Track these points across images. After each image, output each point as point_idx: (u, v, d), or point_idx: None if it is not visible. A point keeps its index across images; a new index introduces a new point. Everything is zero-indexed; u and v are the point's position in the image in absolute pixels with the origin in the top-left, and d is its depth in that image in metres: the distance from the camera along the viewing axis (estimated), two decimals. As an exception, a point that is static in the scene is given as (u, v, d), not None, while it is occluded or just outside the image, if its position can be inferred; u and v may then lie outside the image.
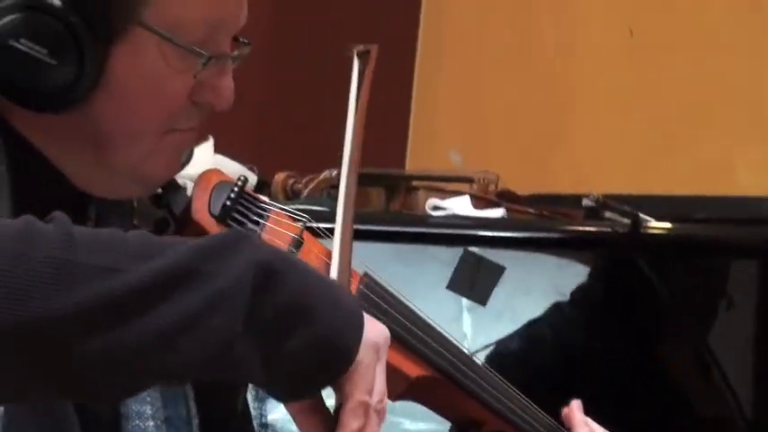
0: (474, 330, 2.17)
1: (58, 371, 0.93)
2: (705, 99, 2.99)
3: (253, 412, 2.01)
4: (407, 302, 1.27)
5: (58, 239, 0.93)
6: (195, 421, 1.29)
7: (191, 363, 0.95)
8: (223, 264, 0.96)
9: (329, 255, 1.22)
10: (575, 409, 1.45)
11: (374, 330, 1.01)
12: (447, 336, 1.35)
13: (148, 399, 1.26)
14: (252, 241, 0.99)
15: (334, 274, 1.19)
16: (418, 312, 1.28)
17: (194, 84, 1.18)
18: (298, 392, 1.00)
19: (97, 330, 0.91)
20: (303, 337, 0.97)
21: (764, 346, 2.06)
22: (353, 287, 1.22)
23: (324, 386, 1.00)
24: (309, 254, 1.22)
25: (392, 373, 1.14)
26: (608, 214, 2.12)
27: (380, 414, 1.02)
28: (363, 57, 1.27)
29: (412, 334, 1.26)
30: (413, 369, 1.22)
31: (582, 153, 3.14)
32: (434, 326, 1.30)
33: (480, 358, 2.03)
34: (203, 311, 0.93)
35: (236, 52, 1.21)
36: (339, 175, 2.18)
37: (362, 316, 1.01)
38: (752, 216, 2.35)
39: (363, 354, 1.00)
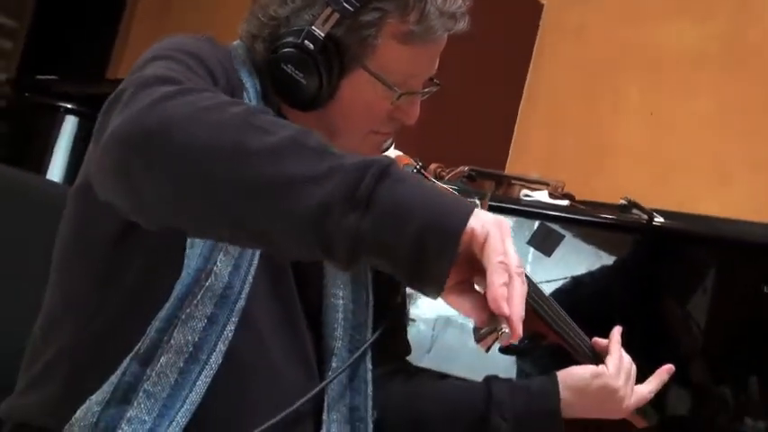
0: (534, 271, 2.25)
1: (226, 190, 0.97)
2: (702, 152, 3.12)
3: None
4: None
5: (244, 112, 1.02)
6: (371, 304, 1.42)
7: (295, 215, 0.93)
8: (353, 157, 0.97)
9: None
10: (616, 332, 1.53)
11: (492, 215, 0.95)
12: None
13: (341, 285, 1.39)
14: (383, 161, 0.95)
15: None
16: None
17: (392, 107, 1.36)
18: (424, 275, 0.94)
19: (253, 164, 0.97)
20: (416, 222, 0.92)
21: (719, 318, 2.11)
22: None
23: (447, 259, 0.92)
24: None
25: None
26: (634, 211, 2.28)
27: (521, 277, 0.94)
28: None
29: None
30: None
31: (619, 175, 3.28)
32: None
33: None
34: (320, 177, 0.94)
35: (425, 89, 1.39)
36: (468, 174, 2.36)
37: (471, 205, 0.95)
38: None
39: (487, 228, 0.94)
